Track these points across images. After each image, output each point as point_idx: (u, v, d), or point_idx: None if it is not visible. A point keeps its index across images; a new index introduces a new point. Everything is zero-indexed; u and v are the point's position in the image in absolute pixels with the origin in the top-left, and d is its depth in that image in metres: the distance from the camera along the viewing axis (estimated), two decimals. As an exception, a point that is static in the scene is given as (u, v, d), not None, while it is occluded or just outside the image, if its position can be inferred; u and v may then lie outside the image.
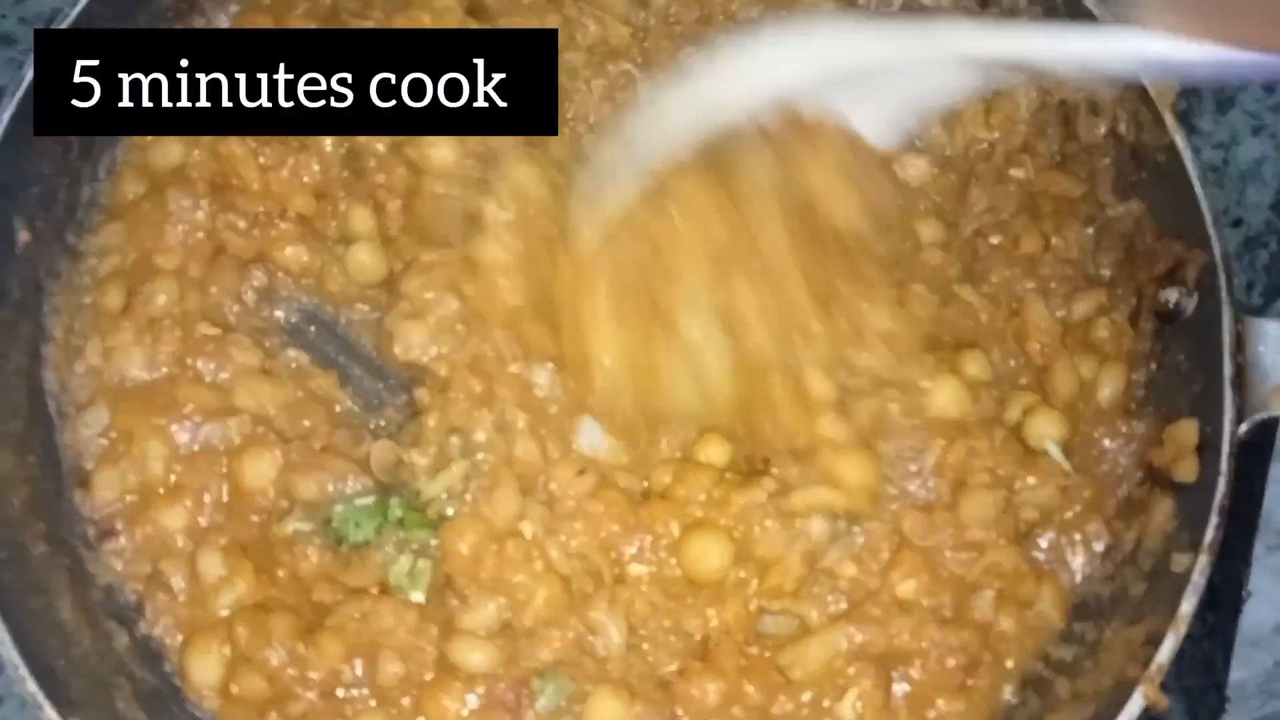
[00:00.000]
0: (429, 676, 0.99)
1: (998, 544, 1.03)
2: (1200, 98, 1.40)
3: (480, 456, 1.04)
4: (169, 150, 1.15)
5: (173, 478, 1.05)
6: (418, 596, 1.00)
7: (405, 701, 0.99)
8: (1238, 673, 1.20)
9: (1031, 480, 1.05)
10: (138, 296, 1.10)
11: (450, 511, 1.02)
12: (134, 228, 1.13)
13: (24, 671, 0.93)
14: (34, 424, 1.07)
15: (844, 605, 1.02)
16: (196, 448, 1.06)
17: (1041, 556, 1.06)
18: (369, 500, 1.02)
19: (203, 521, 1.04)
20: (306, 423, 1.08)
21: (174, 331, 1.08)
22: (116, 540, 1.04)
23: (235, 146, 1.12)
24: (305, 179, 1.13)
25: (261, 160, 1.12)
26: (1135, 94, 1.12)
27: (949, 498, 1.05)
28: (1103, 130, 1.16)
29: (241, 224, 1.12)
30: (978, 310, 1.12)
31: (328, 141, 1.13)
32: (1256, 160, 1.39)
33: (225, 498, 1.05)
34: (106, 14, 1.10)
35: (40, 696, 0.93)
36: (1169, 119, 1.09)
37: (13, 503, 1.02)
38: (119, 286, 1.11)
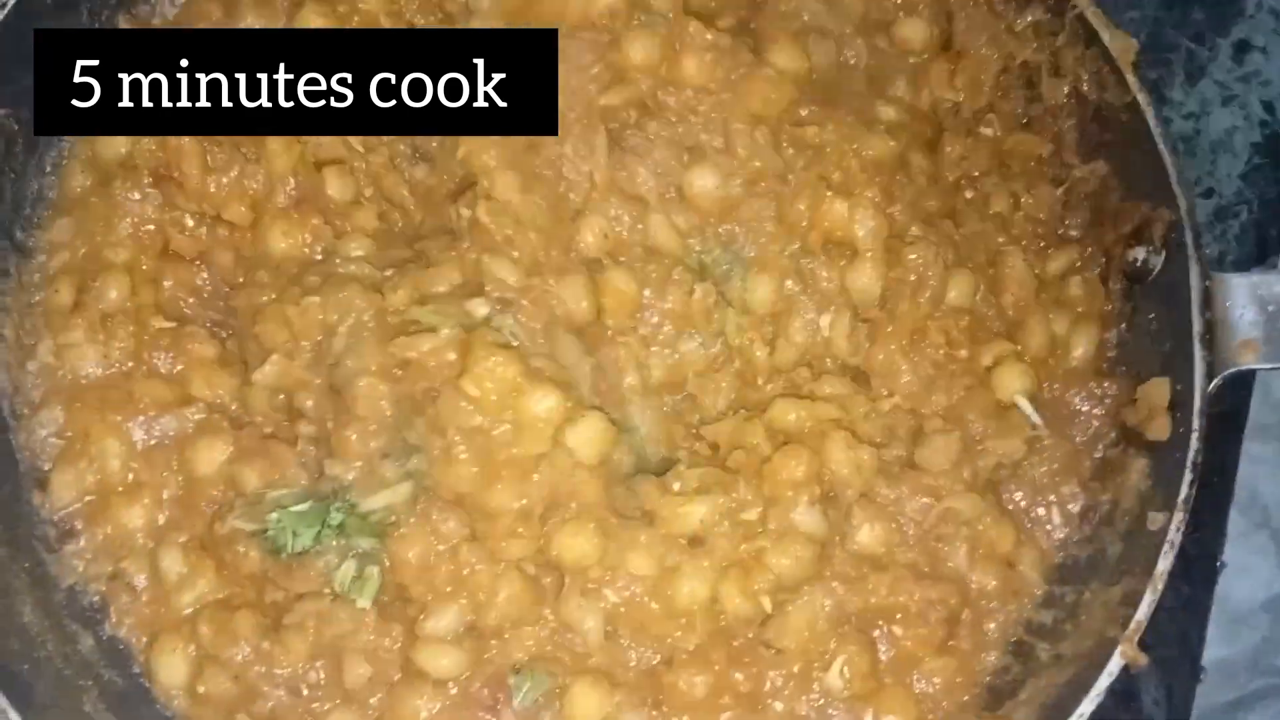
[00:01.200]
0: (397, 677, 0.97)
1: (953, 490, 1.02)
2: (1170, 68, 1.39)
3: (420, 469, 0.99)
4: (116, 140, 1.12)
5: (130, 475, 1.03)
6: (364, 604, 0.97)
7: (374, 700, 0.97)
8: (1224, 649, 1.21)
9: (991, 429, 1.05)
10: (89, 293, 1.08)
11: (394, 520, 0.98)
12: (83, 222, 1.11)
13: (-13, 677, 0.91)
14: (-13, 426, 1.05)
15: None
16: (153, 442, 1.04)
17: (1021, 518, 1.06)
18: (305, 506, 0.98)
19: (161, 519, 1.02)
20: (259, 414, 1.05)
21: (127, 327, 1.06)
22: (77, 541, 1.02)
23: (185, 140, 1.09)
24: (248, 189, 1.09)
25: (209, 160, 1.09)
26: (1096, 53, 1.11)
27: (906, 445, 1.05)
28: (1066, 91, 1.15)
29: (189, 221, 1.09)
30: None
31: (280, 160, 1.10)
32: (1227, 130, 1.39)
33: (180, 492, 1.02)
34: (47, 4, 1.07)
35: (4, 701, 0.91)
36: (1130, 78, 1.08)
37: (-31, 507, 1.00)
38: (69, 283, 1.08)
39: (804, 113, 1.08)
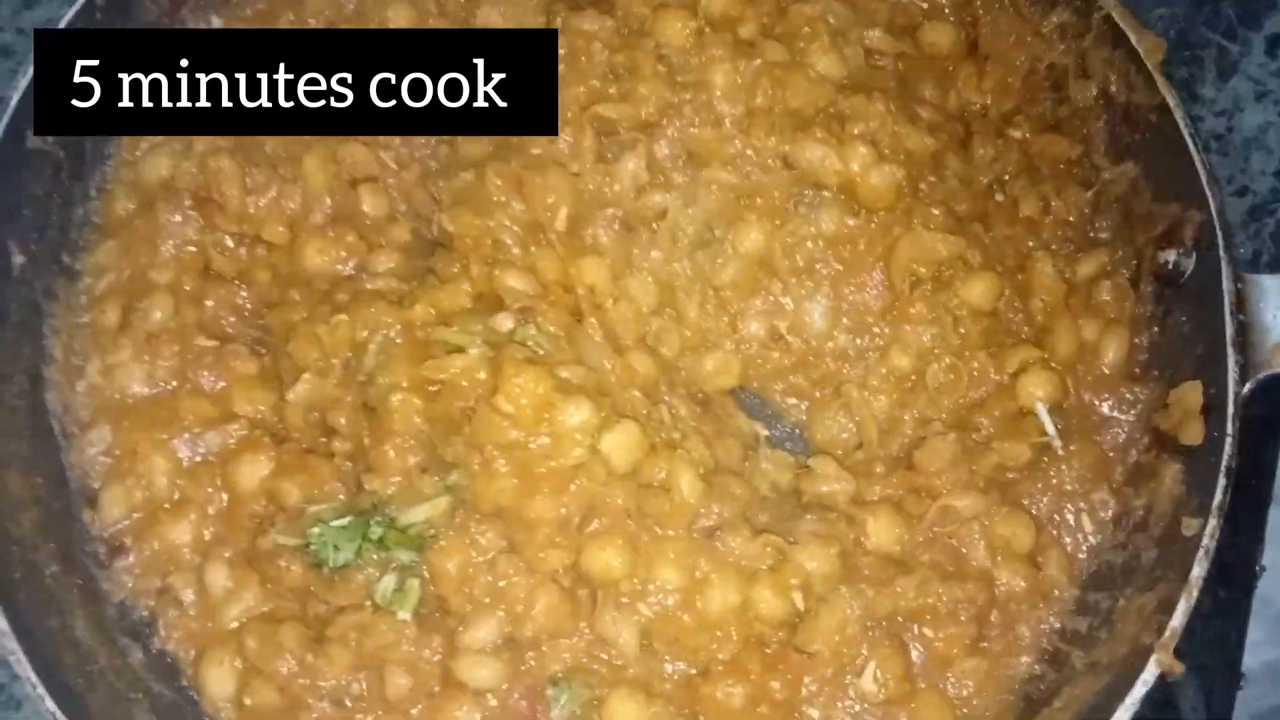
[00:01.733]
0: (437, 689, 0.99)
1: (951, 490, 1.04)
2: (1201, 64, 1.38)
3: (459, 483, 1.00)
4: (158, 163, 1.15)
5: (176, 492, 1.06)
6: (405, 615, 0.98)
7: (415, 711, 0.98)
8: (1272, 652, 1.19)
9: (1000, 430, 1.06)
10: (135, 313, 1.10)
11: (433, 532, 0.99)
12: (127, 244, 1.14)
13: (42, 690, 0.94)
14: (39, 445, 1.08)
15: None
16: (198, 459, 1.06)
17: (1047, 523, 1.06)
18: (345, 521, 0.99)
19: (207, 534, 1.04)
20: (296, 430, 1.07)
21: (172, 346, 1.09)
22: (126, 557, 1.05)
23: (225, 162, 1.12)
24: (286, 209, 1.12)
25: (248, 182, 1.11)
26: (1124, 54, 1.11)
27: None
28: (1094, 92, 1.15)
29: (229, 242, 1.12)
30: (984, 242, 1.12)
31: (316, 179, 1.12)
32: (1260, 127, 1.37)
33: (224, 507, 1.05)
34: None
35: (59, 715, 0.93)
36: (1159, 78, 1.08)
37: (23, 524, 1.03)
38: (115, 304, 1.11)
39: (844, 107, 1.10)
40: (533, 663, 0.98)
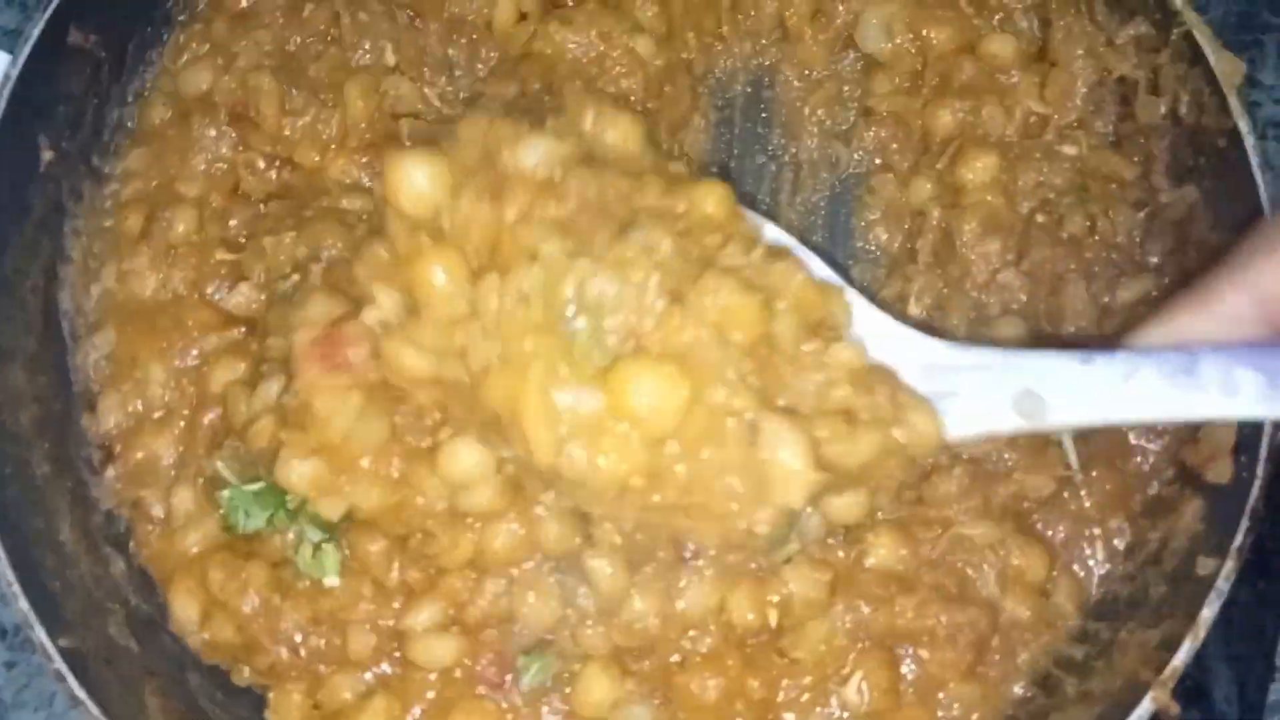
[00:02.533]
0: (399, 653, 0.96)
1: (961, 520, 1.00)
2: (1262, 48, 1.31)
3: None
4: (199, 75, 1.13)
5: (167, 396, 1.04)
6: (332, 580, 0.94)
7: (386, 667, 0.97)
8: None
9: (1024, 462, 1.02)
10: (158, 223, 1.09)
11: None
12: (159, 154, 1.13)
13: (17, 589, 0.93)
14: (47, 344, 1.07)
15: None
16: (190, 364, 1.04)
17: (1059, 549, 1.03)
18: (259, 485, 0.94)
19: (189, 452, 1.02)
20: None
21: (189, 259, 1.08)
22: (117, 466, 1.04)
23: (266, 79, 1.10)
24: (321, 134, 1.10)
25: (286, 104, 1.09)
26: (1200, 74, 1.06)
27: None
28: (1163, 111, 1.11)
29: (260, 163, 1.10)
30: (1017, 290, 1.09)
31: (358, 107, 1.10)
32: None
33: (211, 419, 1.02)
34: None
35: (32, 616, 0.92)
36: (1234, 102, 1.04)
37: (21, 420, 1.02)
38: (140, 211, 1.10)
39: None
40: (495, 635, 0.96)
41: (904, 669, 0.99)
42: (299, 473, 0.89)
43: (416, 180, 0.81)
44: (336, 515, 0.91)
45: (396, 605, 0.95)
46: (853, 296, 0.88)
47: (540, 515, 0.91)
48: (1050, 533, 1.03)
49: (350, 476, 0.89)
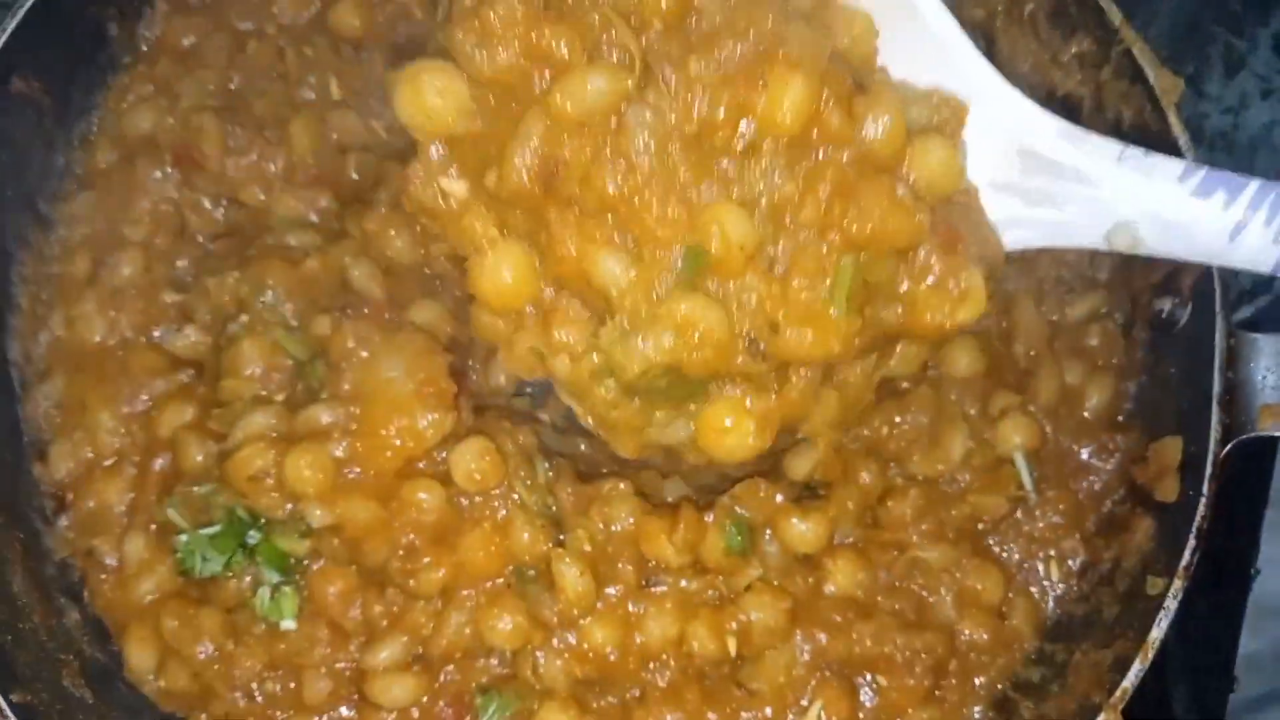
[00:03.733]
0: (356, 695, 0.96)
1: (918, 544, 1.00)
2: (1208, 61, 1.33)
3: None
4: (142, 117, 1.13)
5: (116, 444, 1.04)
6: (289, 624, 0.95)
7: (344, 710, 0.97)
8: (1252, 644, 1.17)
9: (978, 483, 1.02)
10: (104, 266, 1.08)
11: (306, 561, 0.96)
12: (105, 197, 1.12)
13: (-36, 645, 0.93)
14: (-5, 394, 1.06)
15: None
16: (138, 409, 1.04)
17: (1015, 570, 1.03)
18: (215, 529, 0.95)
19: (140, 499, 1.02)
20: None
21: (136, 303, 1.07)
22: (69, 515, 1.03)
23: (208, 120, 1.09)
24: (267, 172, 1.09)
25: (230, 141, 1.09)
26: (1141, 91, 1.07)
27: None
28: (1106, 129, 1.11)
29: (206, 203, 1.10)
30: None
31: (301, 142, 1.10)
32: (1266, 125, 1.33)
33: (161, 466, 1.01)
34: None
35: (-22, 671, 0.92)
36: (1173, 119, 1.04)
37: (-31, 473, 1.02)
38: (86, 256, 1.10)
39: None
40: (456, 675, 0.96)
41: (863, 697, 0.99)
42: (306, 475, 0.91)
43: None
44: (322, 523, 0.92)
45: (354, 647, 0.95)
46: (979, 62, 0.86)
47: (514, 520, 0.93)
48: (1005, 554, 1.03)
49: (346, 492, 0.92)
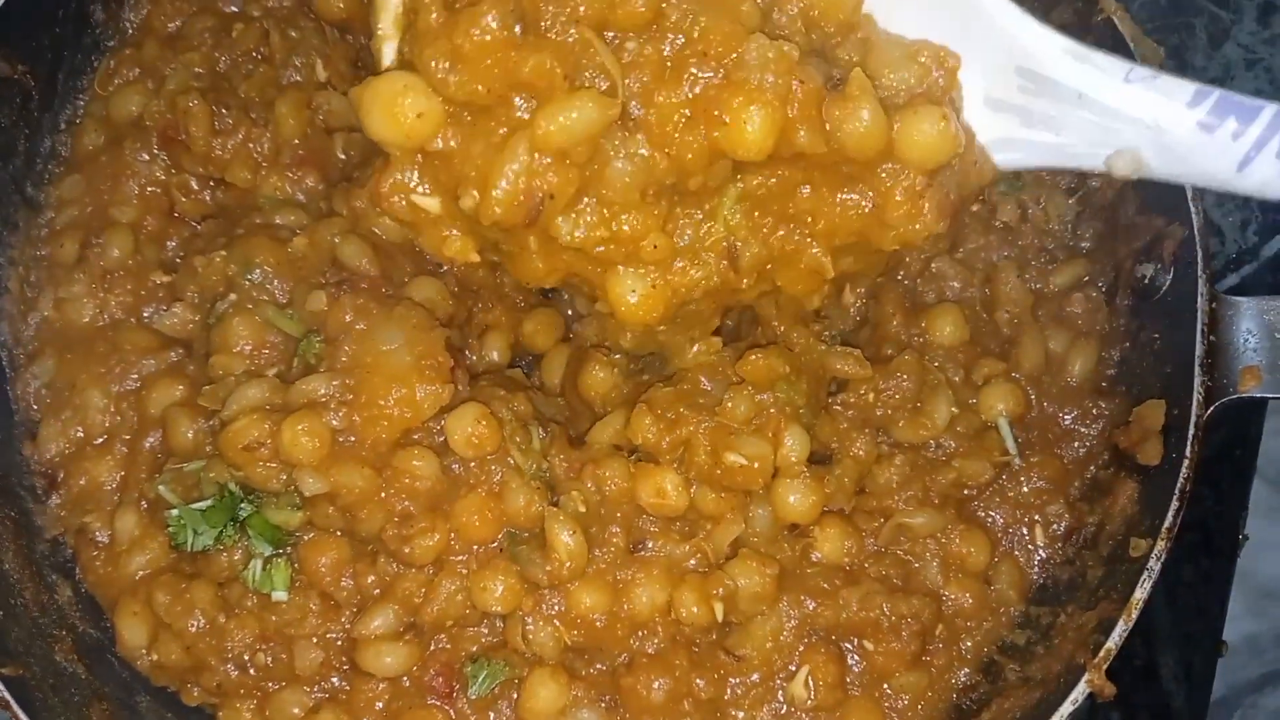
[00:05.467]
0: (348, 665, 0.97)
1: (904, 510, 1.00)
2: (1192, 31, 1.33)
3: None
4: (130, 99, 1.13)
5: (106, 423, 1.04)
6: (281, 595, 0.95)
7: (326, 685, 0.97)
8: (1251, 625, 1.17)
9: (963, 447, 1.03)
10: (92, 249, 1.09)
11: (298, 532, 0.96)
12: (93, 180, 1.12)
13: (-45, 620, 0.93)
14: (-14, 375, 1.07)
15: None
16: (129, 387, 1.04)
17: (1000, 535, 1.04)
18: (206, 504, 0.95)
19: (131, 476, 1.02)
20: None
21: (126, 283, 1.08)
22: (60, 493, 1.04)
23: (195, 101, 1.10)
24: (254, 154, 1.09)
25: (216, 124, 1.09)
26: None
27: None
28: (1089, 96, 1.11)
29: (194, 184, 1.11)
30: (951, 278, 1.09)
31: (289, 124, 1.10)
32: (1251, 96, 1.32)
33: (151, 444, 1.02)
34: None
35: (-31, 645, 0.93)
36: (1154, 85, 1.04)
37: (-39, 452, 1.02)
38: (75, 238, 1.10)
39: None
40: (446, 644, 0.96)
41: (850, 662, 0.99)
42: (303, 443, 0.91)
43: None
44: (315, 490, 0.93)
45: (345, 619, 0.96)
46: None
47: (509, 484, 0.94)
48: (990, 519, 1.03)
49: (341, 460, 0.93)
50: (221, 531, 0.95)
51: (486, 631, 0.97)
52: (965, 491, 1.03)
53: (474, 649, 0.97)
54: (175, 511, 0.96)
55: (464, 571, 0.95)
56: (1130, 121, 0.77)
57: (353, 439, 0.94)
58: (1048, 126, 0.80)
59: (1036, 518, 1.03)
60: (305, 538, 0.96)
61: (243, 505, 0.95)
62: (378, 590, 0.95)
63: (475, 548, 0.95)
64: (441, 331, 0.97)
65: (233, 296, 1.02)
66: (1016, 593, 1.02)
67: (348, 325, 0.97)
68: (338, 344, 0.96)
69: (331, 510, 0.95)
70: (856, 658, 1.00)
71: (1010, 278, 1.08)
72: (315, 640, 0.96)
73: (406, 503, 0.95)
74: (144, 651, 0.99)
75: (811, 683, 0.98)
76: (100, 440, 1.04)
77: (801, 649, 0.98)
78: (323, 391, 0.95)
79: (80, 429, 1.04)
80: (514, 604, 0.94)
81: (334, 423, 0.93)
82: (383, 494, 0.94)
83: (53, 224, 1.12)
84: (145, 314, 1.07)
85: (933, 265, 1.10)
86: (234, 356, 1.00)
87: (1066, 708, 0.91)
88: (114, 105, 1.14)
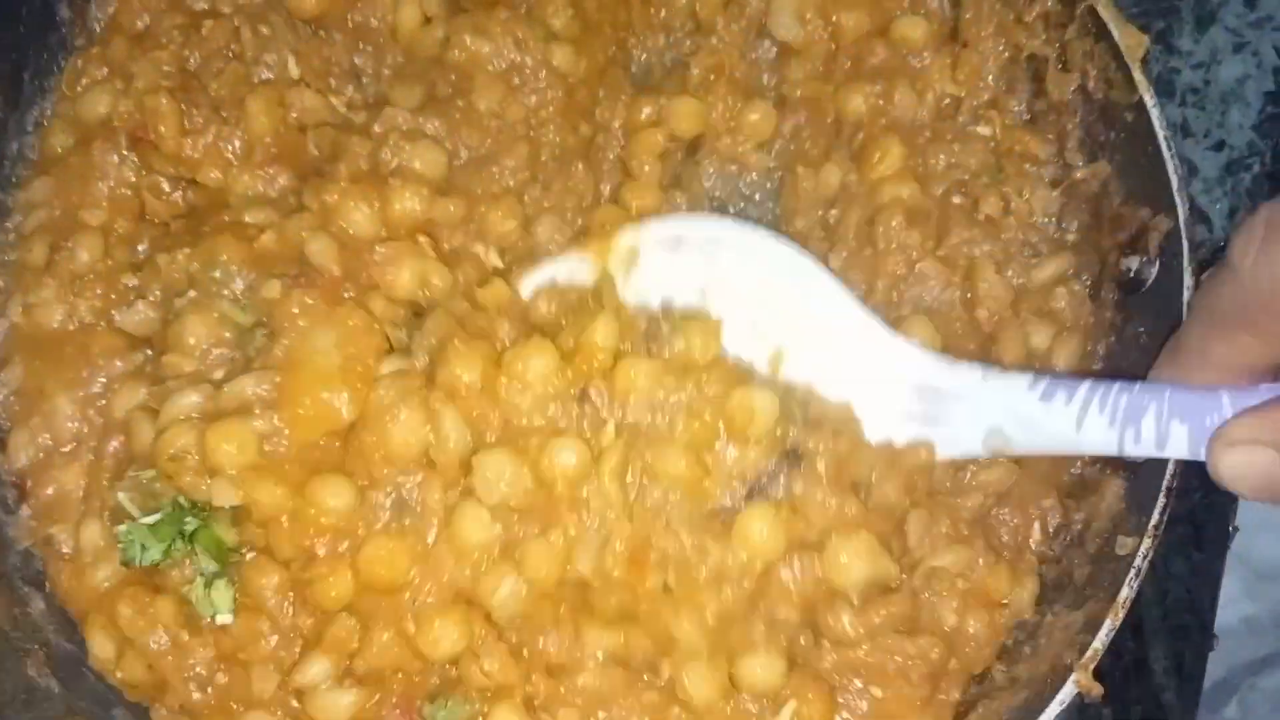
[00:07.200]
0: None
1: (933, 553, 0.97)
2: (1179, 15, 1.31)
3: None
4: (99, 100, 1.11)
5: (75, 427, 1.02)
6: (225, 619, 0.92)
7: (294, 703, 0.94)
8: (1249, 607, 1.17)
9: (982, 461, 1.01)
10: (61, 252, 1.07)
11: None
12: (61, 182, 1.10)
13: (-77, 636, 0.92)
14: (-46, 384, 1.05)
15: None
16: (96, 391, 1.02)
17: (999, 540, 1.02)
18: (155, 518, 0.92)
19: (91, 483, 1.00)
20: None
21: (95, 287, 1.06)
22: (30, 503, 1.02)
23: (163, 100, 1.08)
24: (224, 152, 1.07)
25: (186, 123, 1.07)
26: (1106, 48, 1.06)
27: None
28: (1073, 87, 1.10)
29: (165, 186, 1.08)
30: (933, 279, 1.08)
31: (260, 122, 1.08)
32: (1238, 79, 1.30)
33: (110, 449, 1.00)
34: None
35: (-62, 662, 0.91)
36: (1138, 75, 1.03)
37: (-71, 465, 1.00)
38: (43, 242, 1.08)
39: None
40: (400, 678, 0.93)
41: (860, 705, 0.95)
42: (224, 450, 0.90)
43: None
44: (228, 502, 0.90)
45: (298, 648, 0.93)
46: (858, 311, 0.99)
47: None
48: (1001, 519, 1.02)
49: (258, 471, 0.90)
50: (170, 545, 0.93)
51: (432, 678, 0.94)
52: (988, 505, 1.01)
53: (432, 684, 0.94)
54: (124, 527, 0.93)
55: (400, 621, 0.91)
56: (990, 408, 0.94)
57: (282, 446, 0.92)
58: (942, 423, 0.97)
59: (1032, 513, 1.02)
60: (248, 557, 0.93)
61: (188, 519, 0.92)
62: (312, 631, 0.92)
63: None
64: (379, 338, 0.95)
65: (192, 293, 1.00)
66: (1029, 599, 0.99)
67: (293, 318, 0.94)
68: (277, 339, 0.94)
69: (256, 529, 0.93)
70: (866, 704, 0.94)
71: (989, 274, 1.06)
72: (271, 666, 0.93)
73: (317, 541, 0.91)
74: (113, 666, 0.97)
75: (796, 717, 0.92)
76: (68, 448, 1.02)
77: (790, 684, 0.93)
78: (250, 392, 0.92)
79: (49, 436, 1.02)
80: (465, 644, 0.91)
81: (258, 424, 0.91)
82: (294, 521, 0.91)
83: (21, 228, 1.10)
84: (116, 317, 1.04)
85: (918, 267, 1.08)
86: (185, 355, 0.97)
87: (1054, 709, 0.89)
88: (82, 106, 1.11)
